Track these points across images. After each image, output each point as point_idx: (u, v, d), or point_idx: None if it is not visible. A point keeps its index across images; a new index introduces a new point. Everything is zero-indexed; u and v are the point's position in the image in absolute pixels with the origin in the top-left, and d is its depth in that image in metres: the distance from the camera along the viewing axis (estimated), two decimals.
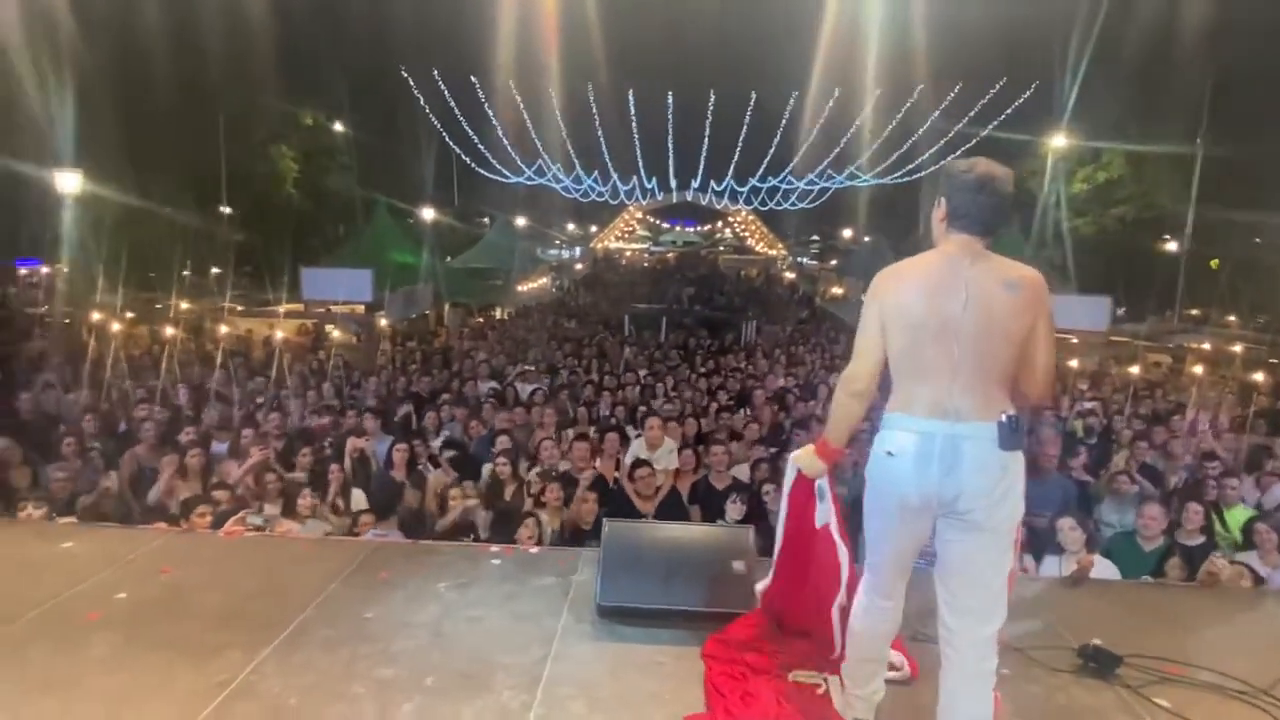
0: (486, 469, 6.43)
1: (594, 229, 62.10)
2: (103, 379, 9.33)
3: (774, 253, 53.89)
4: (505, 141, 34.03)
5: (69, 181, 13.58)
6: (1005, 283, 2.22)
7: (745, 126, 38.95)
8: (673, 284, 19.36)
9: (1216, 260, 25.75)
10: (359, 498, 6.07)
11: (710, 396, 9.99)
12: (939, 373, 2.25)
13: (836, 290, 26.30)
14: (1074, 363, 12.52)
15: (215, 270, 21.06)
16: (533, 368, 11.43)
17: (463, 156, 32.63)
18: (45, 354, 11.53)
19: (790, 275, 36.97)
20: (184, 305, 14.74)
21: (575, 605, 3.38)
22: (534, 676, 2.85)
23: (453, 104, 29.30)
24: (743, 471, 6.20)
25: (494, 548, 4.06)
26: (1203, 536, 5.43)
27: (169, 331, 12.62)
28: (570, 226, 61.12)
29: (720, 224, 60.94)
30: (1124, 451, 7.20)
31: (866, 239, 44.14)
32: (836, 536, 2.69)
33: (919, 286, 2.29)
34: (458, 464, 6.51)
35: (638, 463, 5.62)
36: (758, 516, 5.23)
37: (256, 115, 21.55)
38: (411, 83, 27.93)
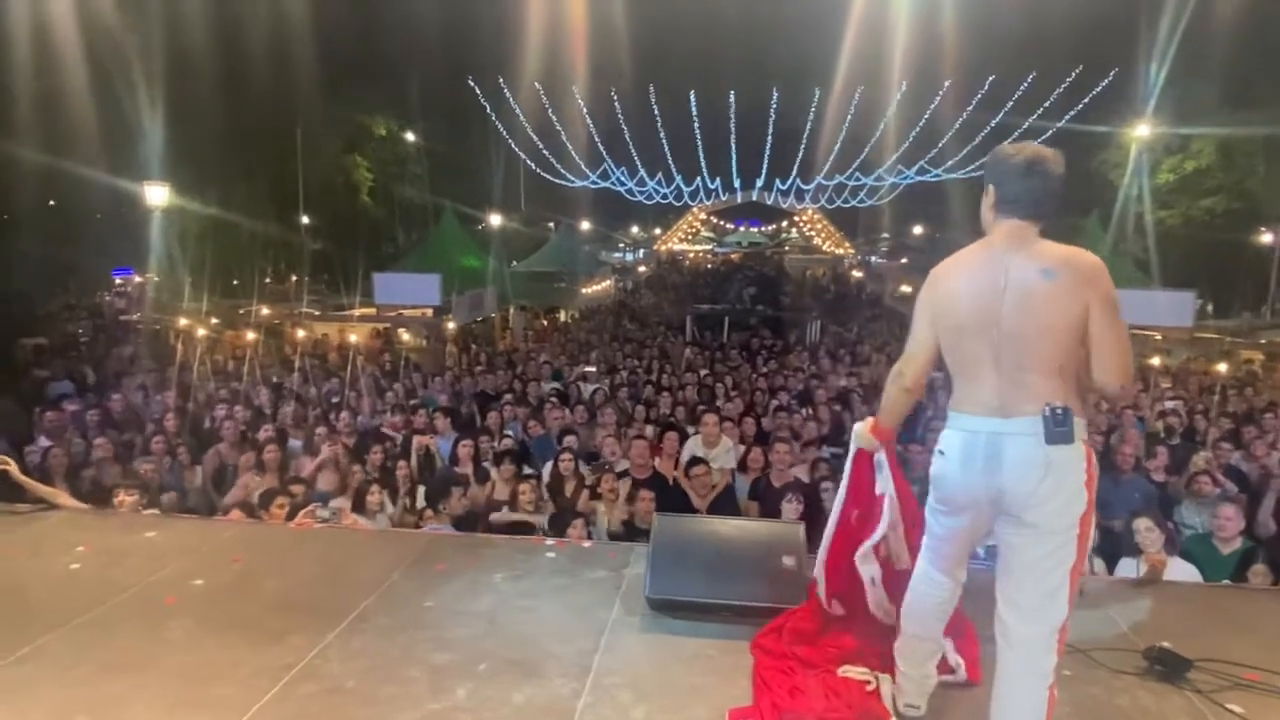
0: (547, 467, 6.56)
1: (658, 231, 62.22)
2: (188, 381, 9.83)
3: (841, 251, 53.03)
4: (570, 147, 34.38)
5: (157, 194, 14.35)
6: (1043, 270, 2.14)
7: (809, 123, 38.49)
8: (735, 284, 19.24)
9: None
10: (422, 494, 6.26)
11: (770, 395, 9.92)
12: (983, 368, 2.21)
13: (906, 289, 25.70)
14: (1156, 360, 11.98)
15: (293, 277, 21.95)
16: (594, 368, 11.53)
17: (529, 163, 33.11)
18: (135, 357, 12.20)
19: (858, 274, 36.33)
20: (264, 311, 15.37)
21: (626, 598, 3.42)
22: (583, 666, 2.89)
23: (518, 111, 29.74)
24: (802, 471, 6.15)
25: (549, 541, 4.13)
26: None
27: (250, 336, 13.21)
28: (634, 229, 61.44)
29: (786, 224, 60.24)
30: (1204, 452, 6.85)
31: (937, 235, 43.18)
32: (887, 507, 2.68)
33: (961, 281, 2.26)
34: (517, 462, 6.64)
35: (694, 460, 5.64)
36: (815, 515, 5.19)
37: (332, 127, 22.33)
38: (478, 91, 28.49)
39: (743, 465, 6.41)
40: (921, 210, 46.77)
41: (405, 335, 14.15)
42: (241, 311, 16.04)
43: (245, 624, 3.16)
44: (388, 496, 5.87)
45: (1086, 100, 26.16)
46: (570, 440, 6.81)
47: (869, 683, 2.73)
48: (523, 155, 31.70)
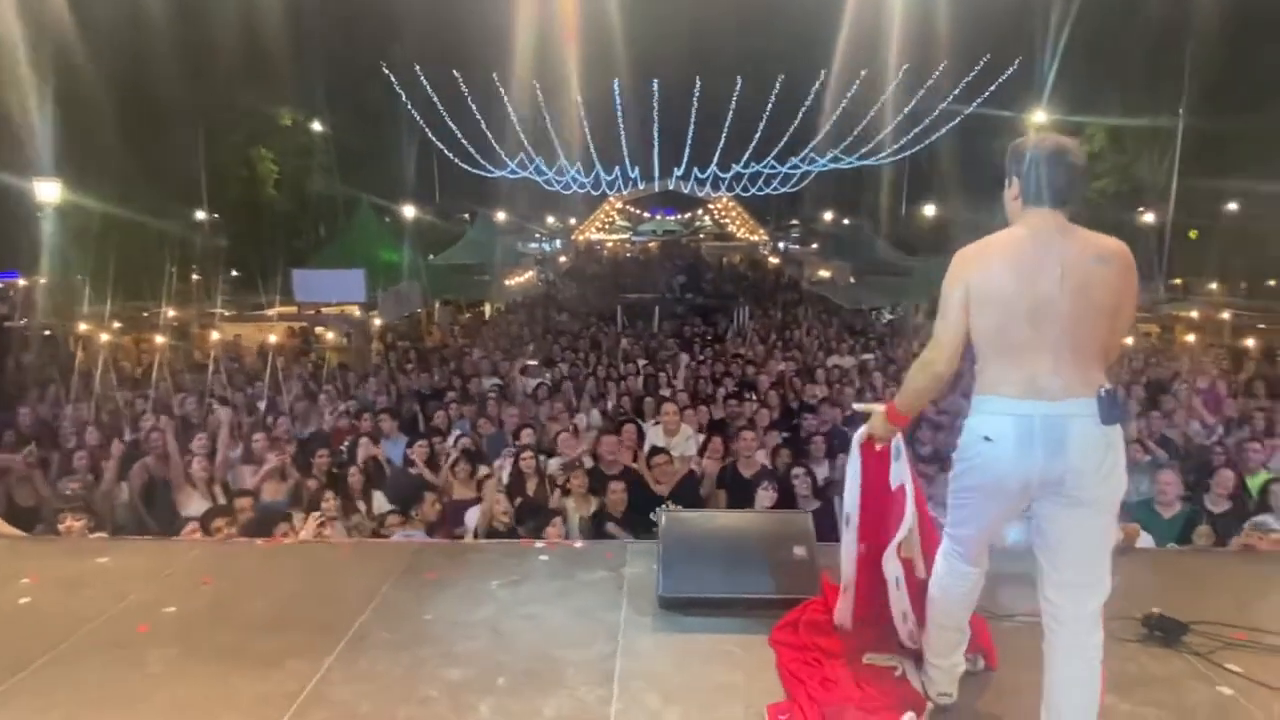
0: (505, 465, 6.41)
1: (573, 221, 61.83)
2: (97, 390, 9.17)
3: (756, 238, 53.93)
4: (489, 136, 33.70)
5: (48, 191, 13.32)
6: (1098, 257, 2.21)
7: (731, 113, 38.84)
8: (664, 273, 19.31)
9: (1195, 231, 26.05)
10: (380, 499, 6.03)
11: (714, 383, 9.98)
12: (1033, 351, 2.21)
13: (823, 273, 26.36)
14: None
15: (197, 276, 20.78)
16: (535, 362, 11.36)
17: (446, 152, 32.27)
18: (33, 367, 11.32)
19: (774, 260, 37.02)
20: (171, 313, 14.48)
21: (632, 598, 3.35)
22: (605, 672, 2.82)
23: (435, 99, 28.92)
24: (763, 457, 6.19)
25: (538, 543, 4.03)
26: (1229, 503, 5.49)
27: (159, 340, 12.42)
28: (550, 219, 60.84)
29: (700, 211, 60.90)
30: (1133, 423, 7.24)
31: (845, 221, 44.38)
32: (910, 500, 2.64)
33: (1009, 265, 2.25)
34: (472, 461, 6.46)
35: (655, 450, 5.61)
36: (789, 502, 5.24)
37: (234, 118, 21.22)
38: (393, 79, 27.56)
39: (701, 453, 6.42)
40: (831, 196, 47.98)
41: (329, 334, 13.59)
42: (146, 314, 15.08)
43: (234, 651, 2.96)
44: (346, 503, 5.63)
45: (992, 89, 27.26)
46: (527, 435, 6.69)
47: (895, 668, 2.75)
48: (439, 144, 30.86)
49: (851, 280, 23.11)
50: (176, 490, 6.10)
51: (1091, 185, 26.92)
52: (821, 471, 5.97)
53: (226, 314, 15.00)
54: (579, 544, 4.03)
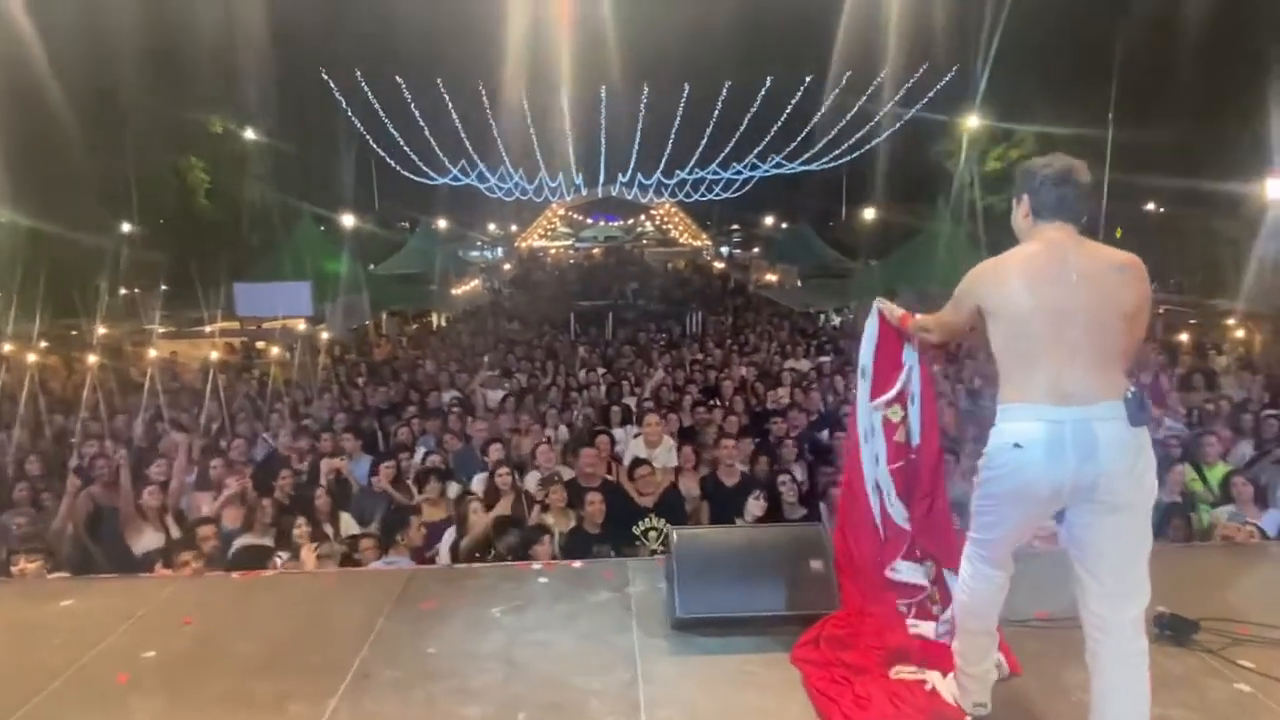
0: (477, 482, 6.23)
1: (515, 228, 61.29)
2: (32, 416, 8.65)
3: (698, 243, 54.24)
4: (433, 142, 33.14)
5: None
6: (1112, 265, 2.28)
7: (678, 119, 38.99)
8: (617, 279, 19.19)
9: (1120, 230, 27.19)
10: (348, 521, 5.80)
11: (678, 391, 9.91)
12: (1057, 359, 2.23)
13: (770, 277, 26.64)
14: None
15: (125, 291, 19.86)
16: (495, 372, 11.13)
17: (387, 159, 31.62)
18: None
19: (719, 265, 37.27)
20: (102, 330, 13.78)
21: (642, 620, 3.25)
22: (630, 701, 2.71)
23: (375, 105, 28.32)
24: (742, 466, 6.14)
25: (535, 565, 3.89)
26: (1180, 496, 5.65)
27: (90, 359, 11.78)
28: (491, 226, 60.18)
29: (641, 217, 60.97)
30: None
31: (784, 225, 45.00)
32: (915, 375, 3.06)
33: (1024, 279, 2.29)
34: (438, 476, 6.25)
35: (637, 461, 5.50)
36: (775, 509, 5.19)
37: (162, 125, 20.39)
38: (332, 84, 26.87)
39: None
40: (772, 201, 48.64)
41: (274, 349, 13.09)
42: (75, 332, 14.34)
43: (228, 697, 2.76)
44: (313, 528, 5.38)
45: (931, 95, 28.00)
46: (498, 451, 6.51)
47: (925, 682, 2.72)
48: (380, 150, 30.20)
49: (799, 284, 23.39)
50: (126, 522, 5.75)
51: None
52: (799, 475, 5.94)
53: (161, 330, 14.37)
54: (577, 564, 3.90)
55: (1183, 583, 3.55)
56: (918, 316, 2.95)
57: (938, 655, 2.79)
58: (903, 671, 2.76)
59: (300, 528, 5.14)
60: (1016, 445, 2.25)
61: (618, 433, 7.40)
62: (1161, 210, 24.26)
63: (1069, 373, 2.21)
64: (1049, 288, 2.25)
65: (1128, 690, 2.24)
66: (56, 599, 3.55)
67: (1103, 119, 21.44)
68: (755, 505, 5.00)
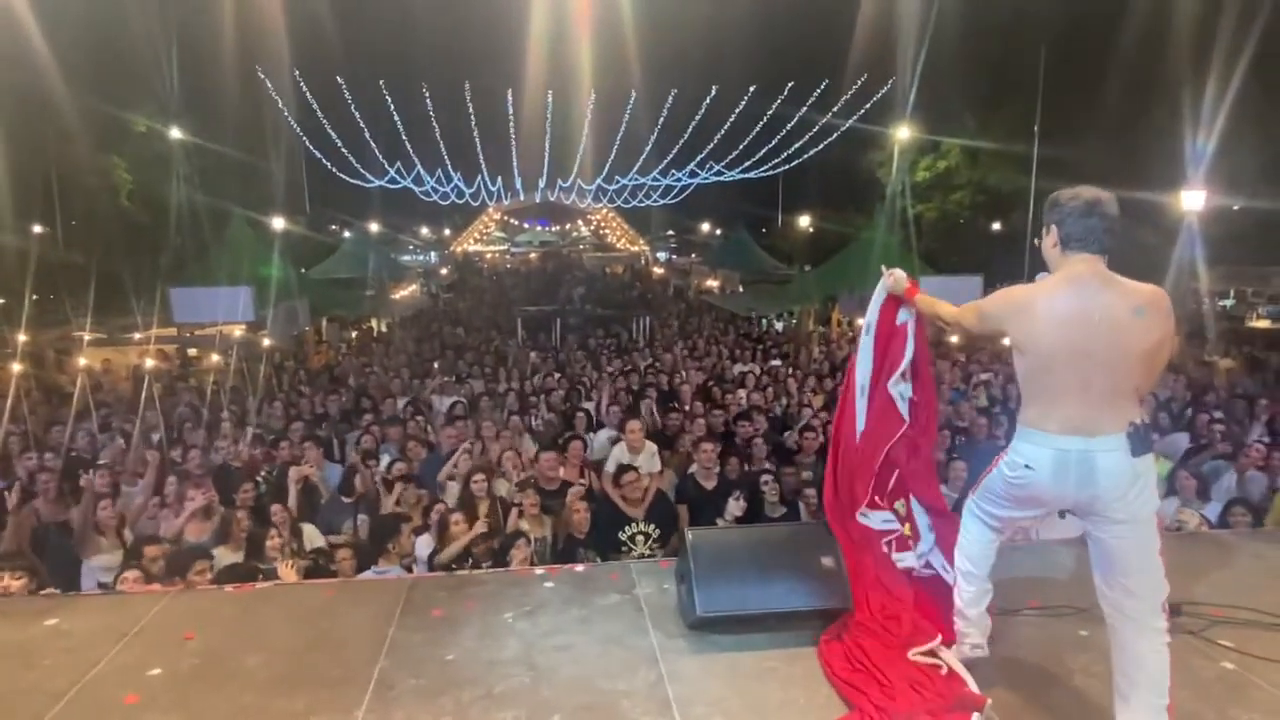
0: (451, 489, 6.17)
1: (448, 232, 60.45)
2: None
3: (635, 249, 54.48)
4: (373, 144, 32.44)
5: None
6: (1134, 309, 2.38)
7: (623, 125, 39.10)
8: (564, 284, 19.14)
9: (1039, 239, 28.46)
10: (311, 532, 5.65)
11: (634, 396, 9.96)
12: (1071, 393, 2.42)
13: (711, 283, 26.95)
14: (955, 338, 13.46)
15: (36, 296, 18.79)
16: (449, 378, 10.99)
17: (323, 161, 30.80)
18: None
19: (659, 270, 37.50)
20: (22, 338, 13.04)
21: (658, 621, 3.29)
22: (660, 700, 2.75)
23: (314, 105, 27.55)
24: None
25: (538, 570, 3.89)
26: None
27: (15, 368, 11.15)
28: (424, 230, 59.23)
29: (578, 222, 60.92)
30: None
31: (719, 231, 45.59)
32: (911, 334, 3.33)
33: (1051, 317, 2.44)
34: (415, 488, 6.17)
35: (623, 468, 5.52)
36: (756, 509, 5.29)
37: (84, 124, 19.42)
38: (269, 84, 26.01)
39: None
40: (706, 208, 49.24)
41: (213, 356, 12.62)
42: None
43: (249, 713, 2.70)
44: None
45: (867, 106, 28.79)
46: (468, 460, 6.45)
47: (940, 667, 2.84)
48: (316, 152, 29.40)
49: (740, 289, 23.73)
50: (81, 538, 5.49)
51: (949, 197, 29.00)
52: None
53: (89, 337, 13.69)
54: (580, 568, 3.92)
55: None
56: (932, 302, 3.11)
57: (945, 628, 2.95)
58: (917, 653, 2.88)
59: (274, 539, 5.01)
60: (1028, 466, 2.49)
61: (588, 437, 7.42)
62: None
63: (1080, 408, 2.40)
64: (1072, 330, 2.41)
65: (1151, 653, 2.42)
66: (40, 618, 3.38)
67: (1027, 132, 22.47)
68: (735, 506, 5.09)
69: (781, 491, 5.50)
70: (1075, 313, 2.40)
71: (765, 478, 5.43)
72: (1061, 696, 2.79)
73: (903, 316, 3.35)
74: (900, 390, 3.36)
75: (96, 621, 3.35)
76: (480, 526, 4.85)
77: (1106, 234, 2.46)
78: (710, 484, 5.66)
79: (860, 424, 3.41)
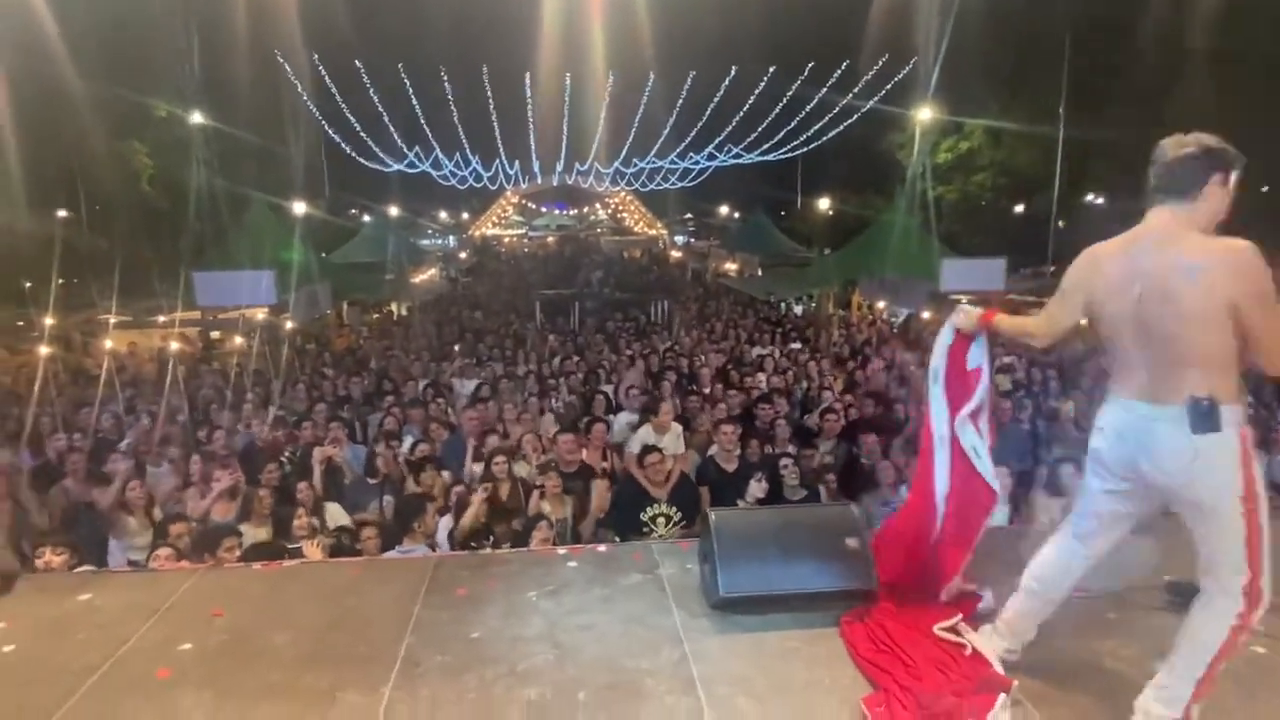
0: (471, 470, 6.22)
1: (465, 216, 60.50)
2: None
3: (653, 232, 54.29)
4: (392, 128, 32.47)
5: None
6: (1188, 270, 2.23)
7: (642, 108, 38.81)
8: (580, 268, 19.13)
9: (1064, 220, 28.07)
10: (335, 511, 5.72)
11: (654, 379, 9.95)
12: (1133, 358, 2.39)
13: (729, 266, 26.82)
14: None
15: (61, 281, 19.02)
16: (471, 361, 11.06)
17: (342, 145, 30.87)
18: None
19: (677, 254, 37.35)
20: (50, 320, 13.22)
21: (680, 600, 3.30)
22: (685, 679, 2.76)
23: (333, 89, 27.58)
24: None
25: (561, 550, 3.91)
26: None
27: (42, 350, 11.31)
28: (442, 214, 59.31)
29: (596, 205, 60.76)
30: (1067, 401, 7.70)
31: (737, 215, 45.25)
32: (984, 381, 3.00)
33: (1106, 279, 2.42)
34: (436, 468, 6.22)
35: (647, 449, 5.51)
36: (777, 491, 5.28)
37: (105, 109, 19.58)
38: (288, 67, 26.07)
39: None
40: (725, 191, 48.89)
41: (237, 339, 12.75)
42: (20, 323, 13.74)
43: (278, 689, 2.73)
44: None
45: (888, 87, 28.44)
46: (494, 441, 6.49)
47: (964, 646, 2.83)
48: (336, 136, 29.46)
49: (759, 273, 23.61)
50: (110, 518, 5.59)
51: (970, 179, 28.62)
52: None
53: (114, 320, 13.84)
54: (602, 548, 3.93)
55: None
56: (1017, 321, 2.86)
57: (969, 606, 2.93)
58: (941, 630, 2.87)
59: (300, 519, 5.07)
60: (1100, 428, 2.49)
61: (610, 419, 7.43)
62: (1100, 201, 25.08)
63: (1145, 374, 2.36)
64: (1116, 301, 2.38)
65: (1199, 627, 2.37)
66: (74, 593, 3.45)
67: (1053, 112, 22.09)
68: (757, 488, 5.08)
69: (801, 474, 5.47)
70: (1121, 278, 2.36)
71: (785, 461, 5.41)
72: (1089, 679, 2.77)
73: (975, 359, 3.02)
74: (974, 444, 3.03)
75: (128, 598, 3.41)
76: (486, 494, 4.86)
77: (1163, 178, 2.34)
78: (731, 466, 5.66)
79: (943, 483, 3.10)
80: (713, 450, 6.08)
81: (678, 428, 6.15)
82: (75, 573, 3.87)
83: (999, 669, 2.69)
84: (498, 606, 3.29)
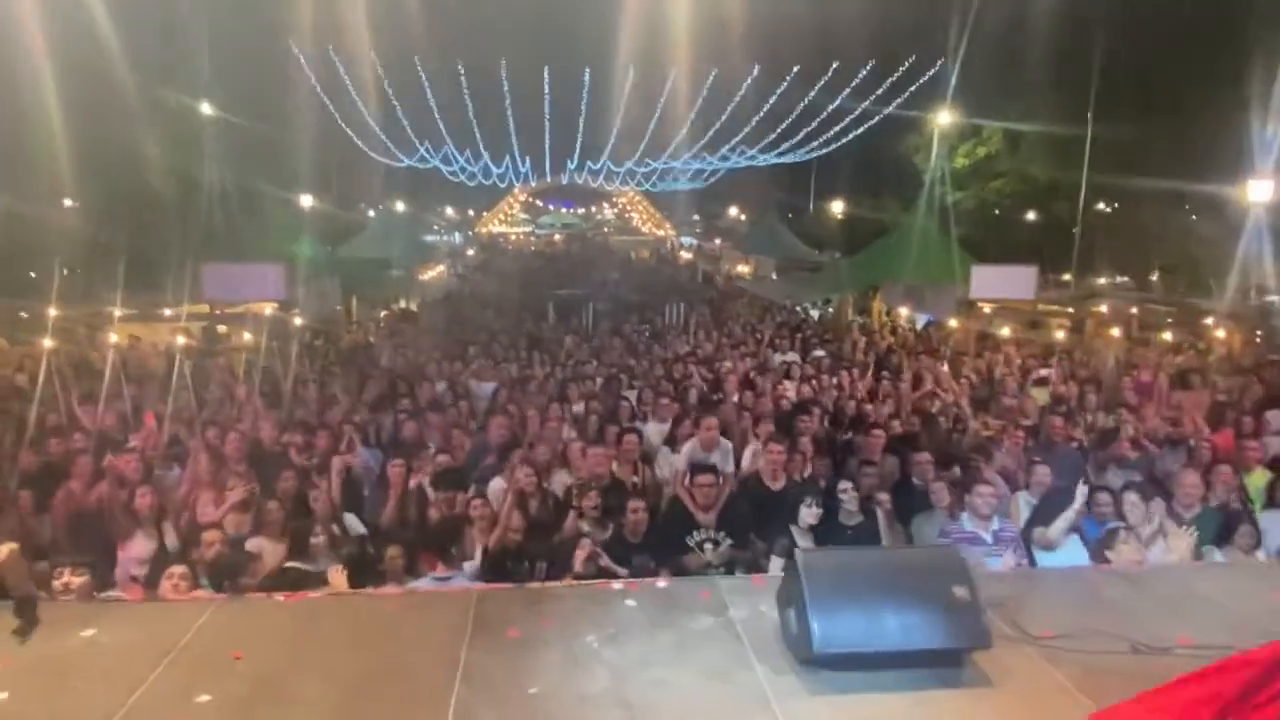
0: (494, 486, 5.81)
1: (471, 212, 60.14)
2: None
3: (661, 233, 53.92)
4: (405, 122, 32.13)
5: None
6: None
7: (659, 107, 38.38)
8: (594, 268, 18.79)
9: (1077, 228, 27.68)
10: (354, 522, 5.37)
11: (676, 385, 9.56)
12: None
13: (742, 269, 26.43)
14: (1005, 331, 12.95)
15: (66, 272, 18.68)
16: (489, 363, 10.68)
17: (355, 139, 30.51)
18: None
19: (687, 255, 36.96)
20: (54, 312, 12.87)
21: (760, 652, 2.93)
22: None
23: (347, 82, 27.23)
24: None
25: (616, 585, 3.53)
26: (1239, 502, 5.50)
27: (46, 343, 10.94)
28: (449, 210, 58.96)
29: (602, 204, 60.43)
30: (1125, 421, 7.27)
31: (744, 217, 44.86)
32: None
33: None
34: (454, 480, 5.80)
35: (698, 468, 5.10)
36: (830, 516, 4.88)
37: (114, 100, 19.26)
38: (302, 60, 25.71)
39: None
40: (734, 192, 48.53)
41: (245, 335, 12.39)
42: (24, 315, 13.36)
43: None
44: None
45: (910, 91, 28.09)
46: (523, 451, 6.10)
47: None
48: (348, 130, 29.10)
49: (773, 276, 23.23)
50: (114, 525, 5.22)
51: (988, 185, 28.23)
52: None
53: (120, 313, 13.48)
54: (662, 583, 3.56)
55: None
56: None
57: None
58: None
59: (318, 537, 4.71)
60: None
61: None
62: (1132, 206, 24.68)
63: None
64: None
65: None
66: (75, 628, 3.06)
67: (1071, 117, 21.70)
68: (809, 514, 4.69)
69: (861, 499, 5.07)
70: None
71: (844, 484, 4.97)
72: None
73: None
74: None
75: (136, 634, 3.03)
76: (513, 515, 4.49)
77: None
78: (778, 485, 5.27)
79: None
80: (756, 465, 5.68)
81: (726, 444, 5.76)
82: (78, 603, 3.46)
83: None
84: (555, 652, 2.92)
